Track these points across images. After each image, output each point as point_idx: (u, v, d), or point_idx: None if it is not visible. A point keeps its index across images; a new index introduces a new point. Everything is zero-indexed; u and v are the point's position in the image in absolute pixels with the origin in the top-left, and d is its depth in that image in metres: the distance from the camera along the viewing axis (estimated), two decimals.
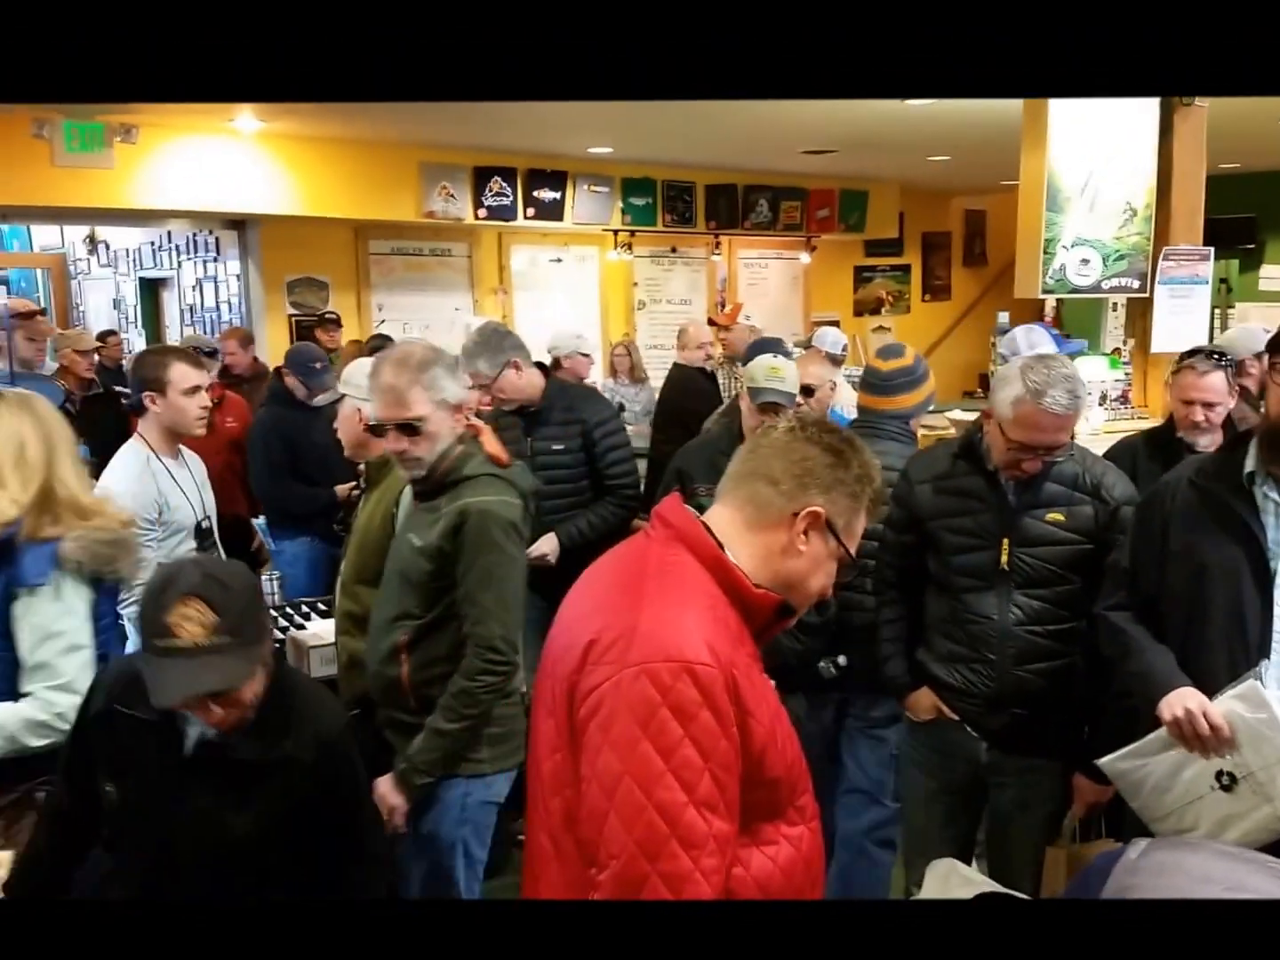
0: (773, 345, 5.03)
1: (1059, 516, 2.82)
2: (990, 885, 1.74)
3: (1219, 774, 2.32)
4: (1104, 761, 2.49)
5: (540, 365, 4.44)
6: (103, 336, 7.76)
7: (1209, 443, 3.62)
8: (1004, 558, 2.83)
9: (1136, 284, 5.87)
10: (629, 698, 1.53)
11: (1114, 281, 5.84)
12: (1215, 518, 2.37)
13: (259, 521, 5.30)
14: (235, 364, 7.03)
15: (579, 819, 1.59)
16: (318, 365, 5.36)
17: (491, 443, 2.89)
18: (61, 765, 2.33)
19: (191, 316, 9.46)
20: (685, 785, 1.51)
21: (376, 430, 2.85)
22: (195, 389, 3.65)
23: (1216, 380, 3.70)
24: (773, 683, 1.76)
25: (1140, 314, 6.08)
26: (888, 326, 11.76)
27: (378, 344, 6.02)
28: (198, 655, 1.97)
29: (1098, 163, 5.65)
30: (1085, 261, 5.72)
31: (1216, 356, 3.78)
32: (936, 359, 11.66)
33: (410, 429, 2.73)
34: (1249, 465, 2.35)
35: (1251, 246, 10.46)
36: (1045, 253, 5.66)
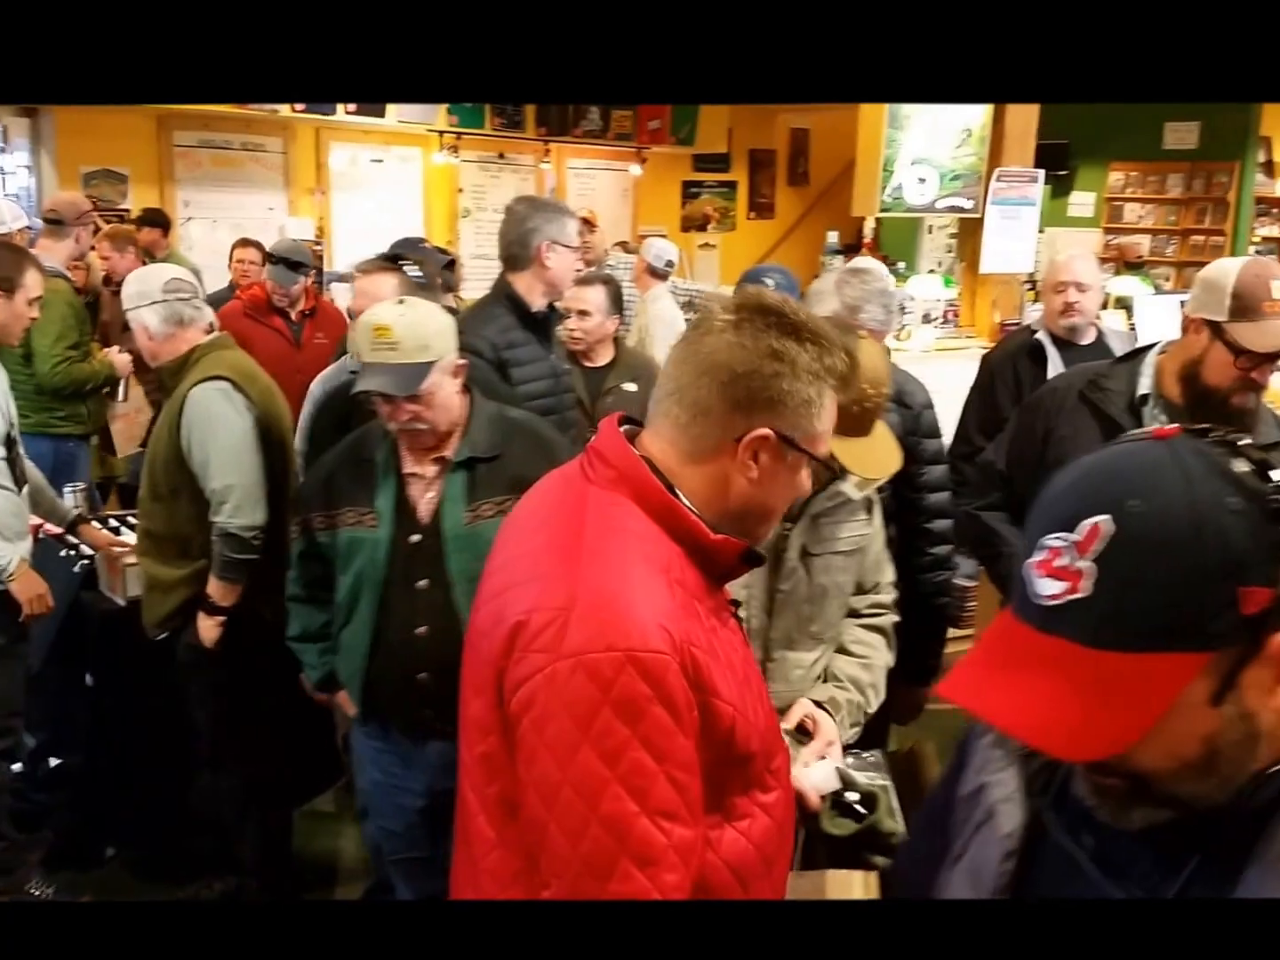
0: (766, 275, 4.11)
1: None
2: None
3: None
4: None
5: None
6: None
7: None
8: None
9: (969, 204, 5.96)
10: (565, 695, 1.29)
11: (948, 201, 5.91)
12: (1103, 435, 2.37)
13: None
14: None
15: (520, 819, 1.37)
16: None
17: None
18: None
19: None
20: (635, 793, 1.28)
21: None
22: (37, 300, 3.59)
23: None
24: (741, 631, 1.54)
25: (970, 234, 6.18)
26: (714, 244, 11.72)
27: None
28: None
29: None
30: (922, 180, 5.76)
31: None
32: None
33: None
34: (1143, 388, 2.36)
35: (1063, 173, 10.76)
36: (884, 169, 5.67)
